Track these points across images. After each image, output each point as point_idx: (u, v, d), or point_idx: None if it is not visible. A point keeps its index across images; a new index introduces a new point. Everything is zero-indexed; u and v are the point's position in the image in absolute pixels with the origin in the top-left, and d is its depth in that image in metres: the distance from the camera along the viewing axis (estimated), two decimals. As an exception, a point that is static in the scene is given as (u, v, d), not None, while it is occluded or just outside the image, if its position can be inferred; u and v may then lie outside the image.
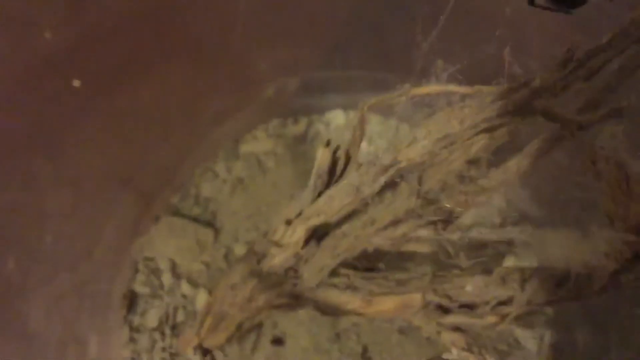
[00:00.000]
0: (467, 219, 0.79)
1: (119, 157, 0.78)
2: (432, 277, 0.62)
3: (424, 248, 0.66)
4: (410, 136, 0.46)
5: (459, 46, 0.57)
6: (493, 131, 0.45)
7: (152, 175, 0.81)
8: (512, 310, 0.58)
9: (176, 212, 0.83)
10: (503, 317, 0.60)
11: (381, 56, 0.80)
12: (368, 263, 0.67)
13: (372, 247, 0.62)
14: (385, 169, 0.48)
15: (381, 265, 0.61)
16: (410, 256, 0.74)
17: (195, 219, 0.82)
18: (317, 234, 0.61)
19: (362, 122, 0.56)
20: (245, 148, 0.87)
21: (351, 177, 0.51)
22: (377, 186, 0.50)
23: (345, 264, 0.65)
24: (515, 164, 0.58)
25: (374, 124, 0.85)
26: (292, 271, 0.64)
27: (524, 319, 0.79)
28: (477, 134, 0.45)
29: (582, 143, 0.47)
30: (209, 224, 0.82)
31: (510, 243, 0.73)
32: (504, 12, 0.55)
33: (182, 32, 0.70)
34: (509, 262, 0.76)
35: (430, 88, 0.53)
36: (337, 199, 0.53)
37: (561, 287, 0.55)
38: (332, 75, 0.83)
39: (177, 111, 0.78)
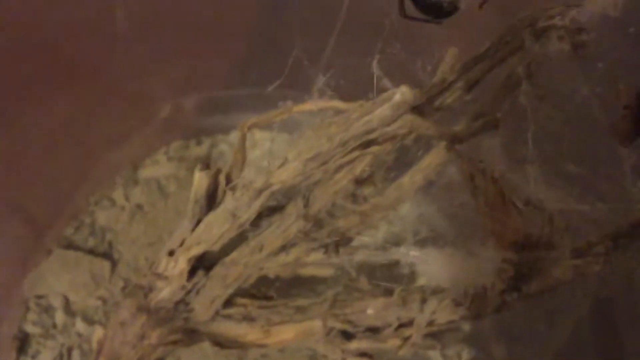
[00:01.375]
0: (377, 237, 0.77)
1: (5, 182, 0.72)
2: (332, 302, 0.59)
3: (325, 272, 0.63)
4: (282, 158, 0.43)
5: (345, 60, 0.55)
6: (366, 148, 0.42)
7: (42, 203, 0.76)
8: (413, 332, 0.56)
9: (69, 244, 0.77)
10: (405, 339, 0.57)
11: (282, 73, 0.77)
12: (267, 291, 0.63)
13: (265, 274, 0.59)
14: (259, 192, 0.45)
15: (271, 292, 0.57)
16: (315, 281, 0.71)
17: (91, 251, 0.77)
18: (205, 264, 0.57)
19: (243, 143, 0.52)
20: (145, 173, 0.83)
21: (227, 202, 0.48)
22: (253, 211, 0.47)
23: (241, 294, 0.61)
24: (409, 180, 0.56)
25: (279, 142, 0.81)
26: (182, 304, 0.59)
27: (439, 338, 0.77)
28: (350, 151, 0.42)
29: (462, 158, 0.45)
30: (106, 255, 0.77)
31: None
32: (384, 23, 0.53)
33: (60, 56, 0.67)
34: (422, 281, 0.74)
35: (313, 104, 0.50)
36: (216, 226, 0.49)
37: (460, 306, 0.53)
38: (235, 93, 0.80)
39: (66, 135, 0.73)
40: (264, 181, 0.44)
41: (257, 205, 0.46)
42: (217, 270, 0.57)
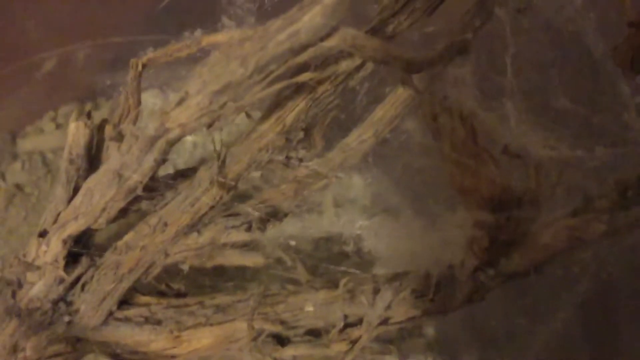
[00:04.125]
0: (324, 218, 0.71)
1: None
2: (260, 298, 0.53)
3: (253, 260, 0.56)
4: (181, 92, 0.36)
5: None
6: (295, 77, 0.35)
7: None
8: (362, 332, 0.50)
9: None
10: (353, 342, 0.51)
11: (204, 14, 0.70)
12: (177, 285, 0.56)
13: (175, 263, 0.52)
14: (152, 141, 0.38)
15: (182, 287, 0.50)
16: (242, 273, 0.64)
17: (-48, 245, 0.69)
18: (91, 248, 0.50)
19: (136, 85, 0.45)
20: (26, 144, 0.76)
21: (112, 159, 0.40)
22: (145, 169, 0.39)
23: (143, 289, 0.54)
24: (357, 138, 0.50)
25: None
26: (63, 304, 0.52)
27: (399, 344, 0.72)
28: (271, 82, 0.35)
29: (423, 94, 0.40)
30: (-27, 249, 0.69)
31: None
32: None
33: None
34: (380, 269, 0.68)
35: (227, 35, 0.44)
36: (97, 193, 0.42)
37: (422, 297, 0.48)
38: (143, 42, 0.73)
39: None
40: (158, 125, 0.37)
41: (150, 161, 0.39)
42: (108, 257, 0.50)
